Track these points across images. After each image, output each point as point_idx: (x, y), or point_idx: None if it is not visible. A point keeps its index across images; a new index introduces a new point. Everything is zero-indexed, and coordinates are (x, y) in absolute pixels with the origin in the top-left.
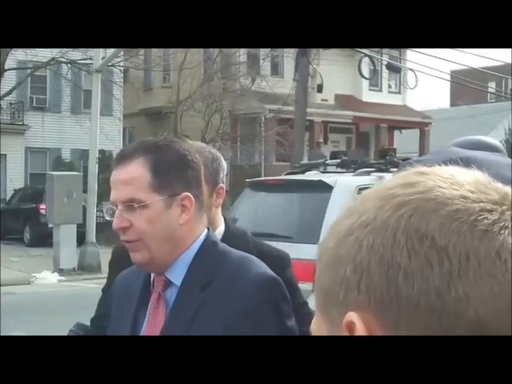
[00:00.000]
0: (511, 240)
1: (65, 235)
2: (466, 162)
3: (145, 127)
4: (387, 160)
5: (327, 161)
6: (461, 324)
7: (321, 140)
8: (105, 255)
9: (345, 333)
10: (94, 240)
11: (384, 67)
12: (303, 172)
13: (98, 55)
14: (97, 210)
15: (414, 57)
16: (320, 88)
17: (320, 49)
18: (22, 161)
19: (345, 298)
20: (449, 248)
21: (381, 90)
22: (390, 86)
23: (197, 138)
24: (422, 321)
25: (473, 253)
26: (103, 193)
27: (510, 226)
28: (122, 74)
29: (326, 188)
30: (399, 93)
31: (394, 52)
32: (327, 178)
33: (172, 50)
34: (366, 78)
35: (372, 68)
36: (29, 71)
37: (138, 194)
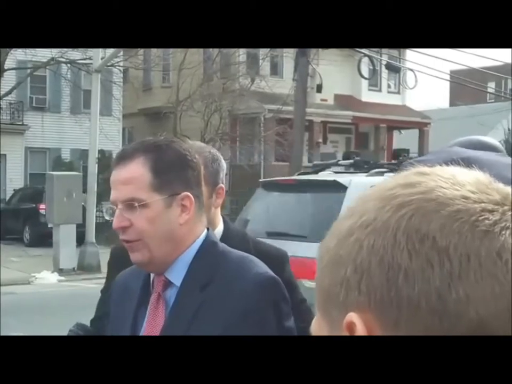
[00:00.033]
0: None
1: (65, 235)
2: (468, 163)
3: (145, 127)
4: (400, 161)
5: (339, 162)
6: (461, 324)
7: (320, 140)
8: (104, 255)
9: (345, 333)
10: (94, 240)
11: (383, 67)
12: (316, 172)
13: (97, 55)
14: (96, 210)
15: (414, 57)
16: (319, 88)
17: (320, 49)
18: (22, 161)
19: (345, 299)
20: (450, 249)
21: (380, 90)
22: (389, 86)
23: (196, 138)
24: (423, 322)
25: (474, 253)
26: (103, 193)
27: (511, 226)
28: (121, 74)
29: (341, 188)
30: (398, 93)
31: (394, 52)
32: (341, 179)
33: (171, 50)
34: (366, 78)
35: (371, 67)
36: (28, 71)
37: (139, 194)
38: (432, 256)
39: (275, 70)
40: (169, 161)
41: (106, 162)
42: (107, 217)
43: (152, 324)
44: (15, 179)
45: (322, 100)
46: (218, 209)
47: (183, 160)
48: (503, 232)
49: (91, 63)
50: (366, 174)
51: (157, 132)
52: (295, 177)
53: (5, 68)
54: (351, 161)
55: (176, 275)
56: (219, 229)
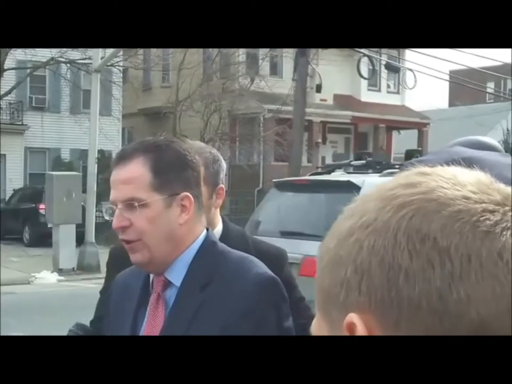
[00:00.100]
0: None
1: (65, 235)
2: (469, 163)
3: (144, 127)
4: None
5: (352, 162)
6: (462, 325)
7: (319, 140)
8: (104, 255)
9: (345, 333)
10: (93, 240)
11: (383, 67)
12: (328, 173)
13: (97, 55)
14: (96, 210)
15: (413, 57)
16: (319, 88)
17: (319, 49)
18: (22, 161)
19: (345, 299)
20: (451, 249)
21: (379, 90)
22: (388, 86)
23: (196, 138)
24: (423, 322)
25: (475, 254)
26: (102, 193)
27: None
28: (121, 74)
29: (354, 188)
30: (397, 93)
31: (393, 52)
32: (355, 179)
33: (171, 50)
34: (365, 78)
35: (370, 67)
36: (28, 70)
37: (139, 194)
38: (433, 257)
39: (275, 70)
40: (169, 161)
41: (105, 162)
42: (107, 217)
43: (152, 324)
44: (15, 179)
45: (321, 100)
46: (218, 209)
47: (183, 160)
48: (504, 233)
49: (91, 63)
50: (379, 174)
51: (156, 131)
52: (309, 177)
53: (5, 67)
54: (364, 161)
55: (176, 275)
56: (218, 228)
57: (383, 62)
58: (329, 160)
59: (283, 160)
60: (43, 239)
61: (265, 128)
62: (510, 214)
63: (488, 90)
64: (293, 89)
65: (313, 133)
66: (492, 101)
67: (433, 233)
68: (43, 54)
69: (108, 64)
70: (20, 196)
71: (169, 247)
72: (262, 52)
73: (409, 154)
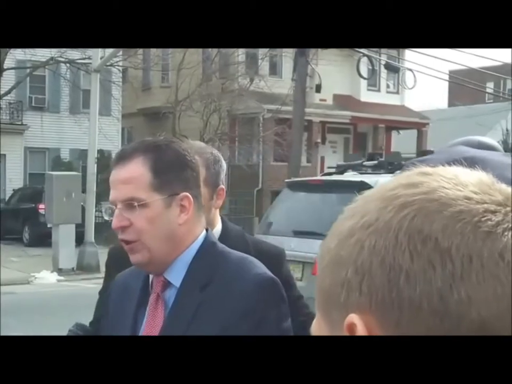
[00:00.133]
0: None
1: (64, 235)
2: (471, 162)
3: (144, 127)
4: None
5: (364, 163)
6: (463, 325)
7: (319, 140)
8: (104, 255)
9: (346, 334)
10: (93, 240)
11: (382, 67)
12: (340, 173)
13: (96, 55)
14: (96, 210)
15: (413, 57)
16: (318, 88)
17: (319, 49)
18: (21, 161)
19: (346, 300)
20: (452, 250)
21: (379, 90)
22: (388, 86)
23: (195, 139)
24: (424, 323)
25: (476, 254)
26: (102, 193)
27: None
28: (120, 74)
29: (368, 189)
30: (397, 93)
31: (393, 52)
32: (368, 179)
33: (170, 50)
34: (365, 78)
35: (370, 67)
36: (27, 70)
37: (139, 193)
38: (434, 257)
39: (274, 70)
40: (168, 161)
41: (105, 162)
42: (106, 217)
43: (151, 325)
44: (15, 179)
45: (321, 100)
46: (217, 209)
47: (182, 161)
48: (506, 233)
49: (90, 63)
50: (391, 174)
51: (156, 131)
52: (321, 177)
53: (4, 67)
54: (376, 162)
55: (175, 275)
56: (217, 228)
57: (383, 62)
58: (328, 160)
59: (282, 160)
60: (43, 239)
61: (264, 128)
62: (511, 214)
63: (488, 90)
64: (292, 89)
65: (313, 133)
66: (492, 101)
67: (435, 234)
68: (43, 53)
69: (108, 64)
70: (19, 195)
71: (169, 247)
72: (262, 51)
73: (422, 155)
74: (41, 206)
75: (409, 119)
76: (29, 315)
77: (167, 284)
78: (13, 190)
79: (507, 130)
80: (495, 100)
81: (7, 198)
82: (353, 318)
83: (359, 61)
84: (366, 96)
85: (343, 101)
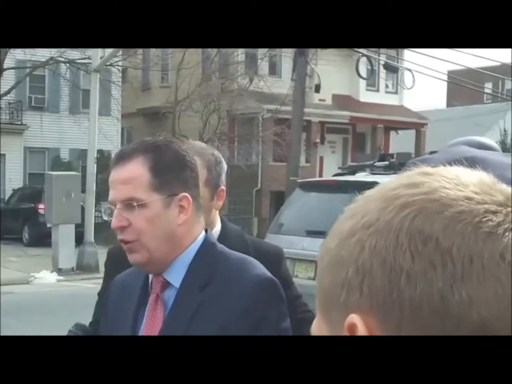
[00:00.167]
0: None
1: (64, 235)
2: (472, 162)
3: (143, 127)
4: None
5: (375, 163)
6: (464, 326)
7: (318, 140)
8: (103, 255)
9: (346, 335)
10: (93, 240)
11: (381, 67)
12: (351, 173)
13: (96, 55)
14: (95, 210)
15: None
16: (317, 88)
17: (318, 49)
18: (21, 161)
19: (346, 300)
20: (453, 250)
21: (378, 90)
22: (387, 86)
23: (195, 138)
24: (425, 324)
25: (477, 255)
26: (102, 193)
27: None
28: (120, 74)
29: None
30: (396, 93)
31: (392, 52)
32: (380, 180)
33: (170, 50)
34: (364, 78)
35: (369, 67)
36: (27, 70)
37: (138, 194)
38: (435, 258)
39: (273, 70)
40: (168, 162)
41: (105, 162)
42: (105, 217)
43: (151, 325)
44: (14, 179)
45: (320, 100)
46: (217, 210)
47: (181, 161)
48: (507, 234)
49: (90, 63)
50: None
51: (155, 131)
52: (334, 178)
53: (4, 67)
54: (387, 162)
55: (175, 276)
56: (217, 228)
57: (382, 62)
58: (327, 160)
59: (281, 160)
60: (42, 239)
61: (263, 128)
62: None
63: (486, 90)
64: (291, 89)
65: (312, 133)
66: (490, 101)
67: (436, 234)
68: (42, 53)
69: (107, 64)
70: (19, 195)
71: (168, 247)
72: (261, 51)
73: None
74: (41, 206)
75: (408, 119)
76: (28, 315)
77: (166, 284)
78: (13, 189)
79: (505, 130)
80: (493, 100)
81: (6, 198)
82: (354, 318)
83: (358, 61)
84: (365, 96)
85: (342, 101)
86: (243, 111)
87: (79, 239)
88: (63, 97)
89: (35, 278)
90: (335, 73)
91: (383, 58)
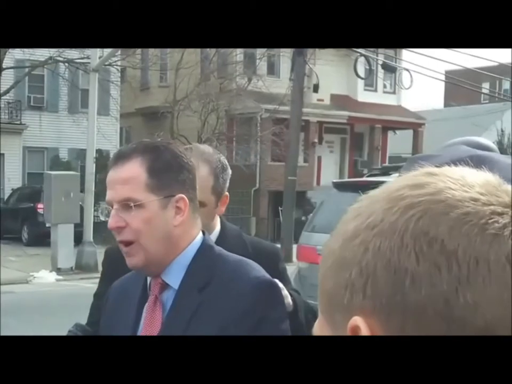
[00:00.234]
0: None
1: (63, 234)
2: (477, 162)
3: (142, 127)
4: None
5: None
6: (468, 330)
7: (316, 140)
8: (102, 255)
9: None
10: (91, 240)
11: (379, 67)
12: (384, 174)
13: (95, 54)
14: (94, 210)
15: (410, 57)
16: (316, 88)
17: (316, 49)
18: (20, 160)
19: (350, 302)
20: (459, 253)
21: (376, 90)
22: (385, 86)
23: (194, 138)
24: (429, 327)
25: (483, 257)
26: (100, 192)
27: None
28: (119, 74)
29: None
30: (394, 93)
31: (390, 52)
32: None
33: (168, 49)
34: (362, 78)
35: (367, 67)
36: (26, 70)
37: (135, 194)
38: (440, 260)
39: (272, 69)
40: (166, 163)
41: (104, 162)
42: (102, 218)
43: (150, 326)
44: (13, 178)
45: (318, 99)
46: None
47: (179, 162)
48: None
49: (89, 62)
50: None
51: (154, 131)
52: (368, 178)
53: (3, 66)
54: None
55: (173, 277)
56: (216, 229)
57: (380, 62)
58: (325, 160)
59: (280, 160)
60: (41, 238)
61: (262, 128)
62: None
63: (483, 90)
64: (290, 89)
65: (310, 133)
66: (487, 101)
67: (441, 236)
68: (41, 53)
69: (106, 63)
70: (18, 195)
71: (165, 248)
72: (260, 51)
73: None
74: (40, 205)
75: (406, 119)
76: (28, 314)
77: (164, 286)
78: (12, 189)
79: (502, 130)
80: (491, 101)
81: (5, 198)
82: (357, 320)
83: (356, 60)
84: (363, 96)
85: (340, 101)
86: (241, 110)
87: (78, 238)
88: (62, 96)
89: (34, 277)
90: (333, 73)
91: (381, 58)
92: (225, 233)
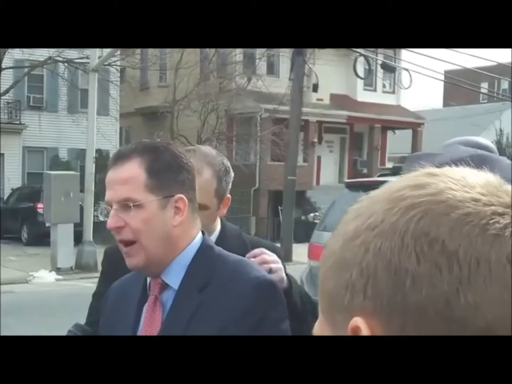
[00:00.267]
0: None
1: (63, 234)
2: (479, 161)
3: (142, 127)
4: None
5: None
6: (469, 330)
7: (315, 140)
8: (102, 254)
9: None
10: (91, 239)
11: (379, 67)
12: (395, 174)
13: (94, 54)
14: (94, 210)
15: (409, 57)
16: (315, 88)
17: (316, 49)
18: (20, 160)
19: (350, 303)
20: (460, 253)
21: (375, 90)
22: (384, 86)
23: (193, 138)
24: (429, 328)
25: (484, 258)
26: (100, 192)
27: None
28: (119, 74)
29: None
30: (393, 92)
31: (389, 52)
32: None
33: (168, 49)
34: (361, 78)
35: (366, 67)
36: (26, 70)
37: (134, 194)
38: (441, 261)
39: (271, 69)
40: (165, 163)
41: (103, 162)
42: (101, 218)
43: (149, 326)
44: (13, 178)
45: (318, 99)
46: None
47: (178, 163)
48: None
49: (88, 62)
50: None
51: (154, 131)
52: (380, 178)
53: (2, 66)
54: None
55: (173, 278)
56: (216, 229)
57: (379, 62)
58: (325, 160)
59: (279, 159)
60: (41, 238)
61: (262, 128)
62: None
63: (482, 90)
64: (289, 89)
65: (309, 132)
66: (486, 101)
67: (442, 236)
68: (41, 53)
69: (105, 63)
70: (18, 195)
71: (164, 248)
72: (259, 51)
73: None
74: (40, 205)
75: (405, 119)
76: (27, 314)
77: (164, 286)
78: (11, 189)
79: (501, 130)
80: (489, 100)
81: (5, 197)
82: (358, 321)
83: (355, 60)
84: (363, 95)
85: (339, 101)
86: (241, 110)
87: (78, 238)
88: (61, 96)
89: (34, 277)
90: (333, 73)
91: (380, 58)
92: (225, 233)
